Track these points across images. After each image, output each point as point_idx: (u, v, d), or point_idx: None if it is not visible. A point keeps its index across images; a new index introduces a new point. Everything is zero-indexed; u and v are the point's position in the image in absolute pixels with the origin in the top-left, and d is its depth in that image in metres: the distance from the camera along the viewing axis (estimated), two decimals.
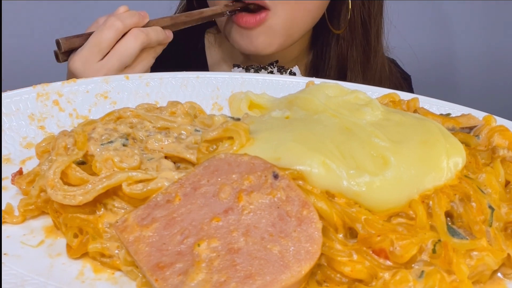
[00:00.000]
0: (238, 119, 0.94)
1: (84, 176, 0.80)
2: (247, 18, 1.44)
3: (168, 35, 1.35)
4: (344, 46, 1.64)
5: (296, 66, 1.64)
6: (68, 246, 0.76)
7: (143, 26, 1.29)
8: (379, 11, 1.65)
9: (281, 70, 1.62)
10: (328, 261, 0.72)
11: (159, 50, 1.34)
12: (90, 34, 1.26)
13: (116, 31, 1.23)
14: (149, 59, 1.31)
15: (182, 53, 1.70)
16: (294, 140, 0.82)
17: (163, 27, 1.34)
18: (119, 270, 0.74)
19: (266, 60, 1.63)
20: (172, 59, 1.69)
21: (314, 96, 0.98)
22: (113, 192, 0.79)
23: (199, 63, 1.73)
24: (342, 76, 1.65)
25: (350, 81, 1.60)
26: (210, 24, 1.76)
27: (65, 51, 1.26)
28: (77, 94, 1.08)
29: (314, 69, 1.72)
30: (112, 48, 1.24)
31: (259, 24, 1.44)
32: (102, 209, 0.79)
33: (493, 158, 0.91)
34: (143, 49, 1.28)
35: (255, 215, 0.72)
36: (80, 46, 1.25)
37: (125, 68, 1.26)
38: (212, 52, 1.77)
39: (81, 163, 0.83)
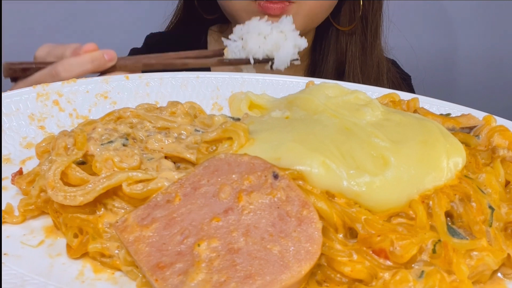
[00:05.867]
0: (238, 119, 0.94)
1: (84, 176, 0.80)
2: (272, 5, 1.47)
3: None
4: (343, 41, 1.69)
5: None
6: (68, 246, 0.76)
7: (107, 70, 1.20)
8: (379, 7, 1.70)
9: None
10: (328, 261, 0.72)
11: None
12: (34, 68, 1.19)
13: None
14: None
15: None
16: (294, 140, 0.82)
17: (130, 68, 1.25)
18: (119, 270, 0.74)
19: None
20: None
21: (314, 96, 0.98)
22: (113, 192, 0.79)
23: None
24: (340, 71, 1.69)
25: (348, 75, 1.65)
26: (213, 21, 1.77)
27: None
28: (77, 94, 1.08)
29: (313, 65, 1.76)
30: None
31: (283, 12, 1.47)
32: (102, 209, 0.79)
33: (493, 158, 0.91)
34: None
35: (255, 215, 0.71)
36: (24, 77, 1.20)
37: None
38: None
39: (81, 163, 0.83)
